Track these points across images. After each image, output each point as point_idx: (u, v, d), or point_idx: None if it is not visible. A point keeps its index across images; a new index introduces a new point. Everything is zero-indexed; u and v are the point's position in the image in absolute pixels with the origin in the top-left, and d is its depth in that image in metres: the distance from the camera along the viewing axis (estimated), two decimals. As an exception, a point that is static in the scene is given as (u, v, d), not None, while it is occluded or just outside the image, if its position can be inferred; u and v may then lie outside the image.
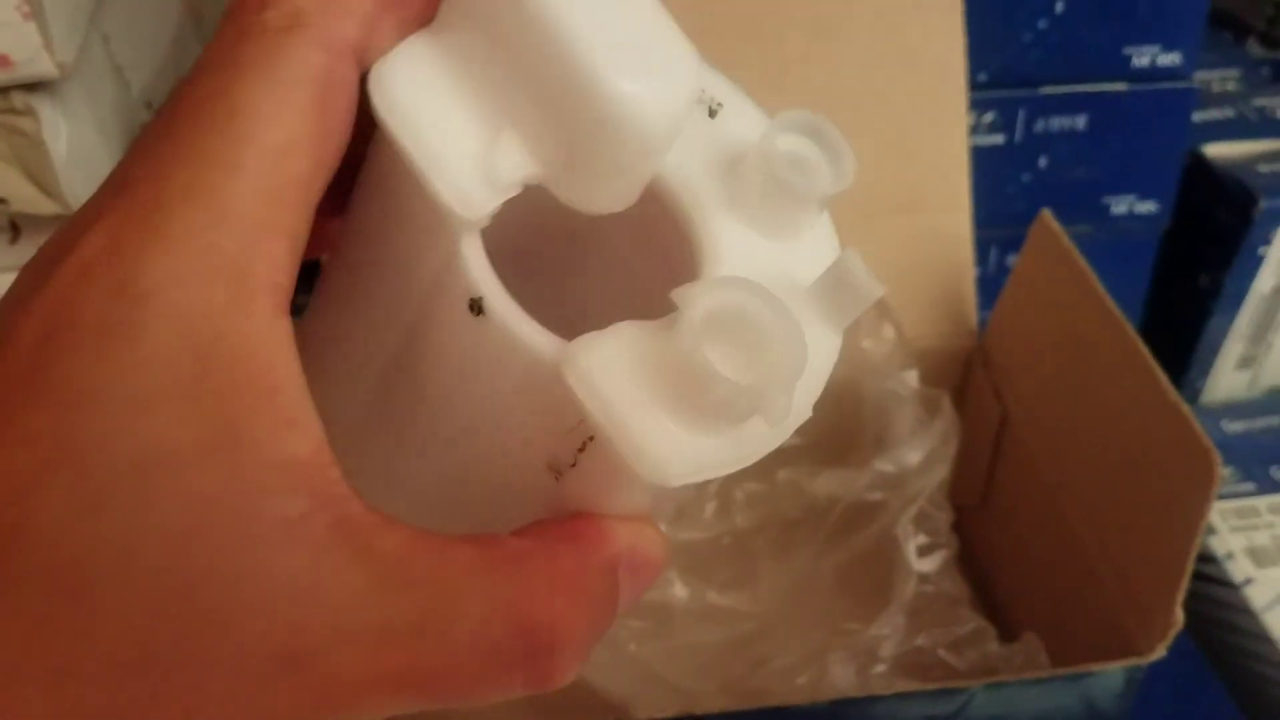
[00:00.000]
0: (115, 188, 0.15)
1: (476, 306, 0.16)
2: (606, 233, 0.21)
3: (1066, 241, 0.33)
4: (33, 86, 0.36)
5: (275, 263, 0.14)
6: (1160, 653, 0.30)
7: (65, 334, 0.14)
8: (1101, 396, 0.32)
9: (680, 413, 0.15)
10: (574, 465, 0.16)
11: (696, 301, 0.15)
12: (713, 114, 0.19)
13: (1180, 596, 0.30)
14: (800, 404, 0.16)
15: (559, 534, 0.16)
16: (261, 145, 0.15)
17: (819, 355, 0.17)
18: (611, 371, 0.15)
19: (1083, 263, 0.33)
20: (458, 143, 0.16)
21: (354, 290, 0.19)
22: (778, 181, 0.17)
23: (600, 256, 0.22)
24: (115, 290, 0.14)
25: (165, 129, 0.15)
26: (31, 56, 0.35)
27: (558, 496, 0.17)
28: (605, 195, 0.17)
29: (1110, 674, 0.30)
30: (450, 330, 0.17)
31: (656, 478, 0.15)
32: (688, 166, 0.18)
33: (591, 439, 0.16)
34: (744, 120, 0.19)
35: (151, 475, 0.13)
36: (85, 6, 0.38)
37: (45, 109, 0.36)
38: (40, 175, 0.37)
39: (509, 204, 0.16)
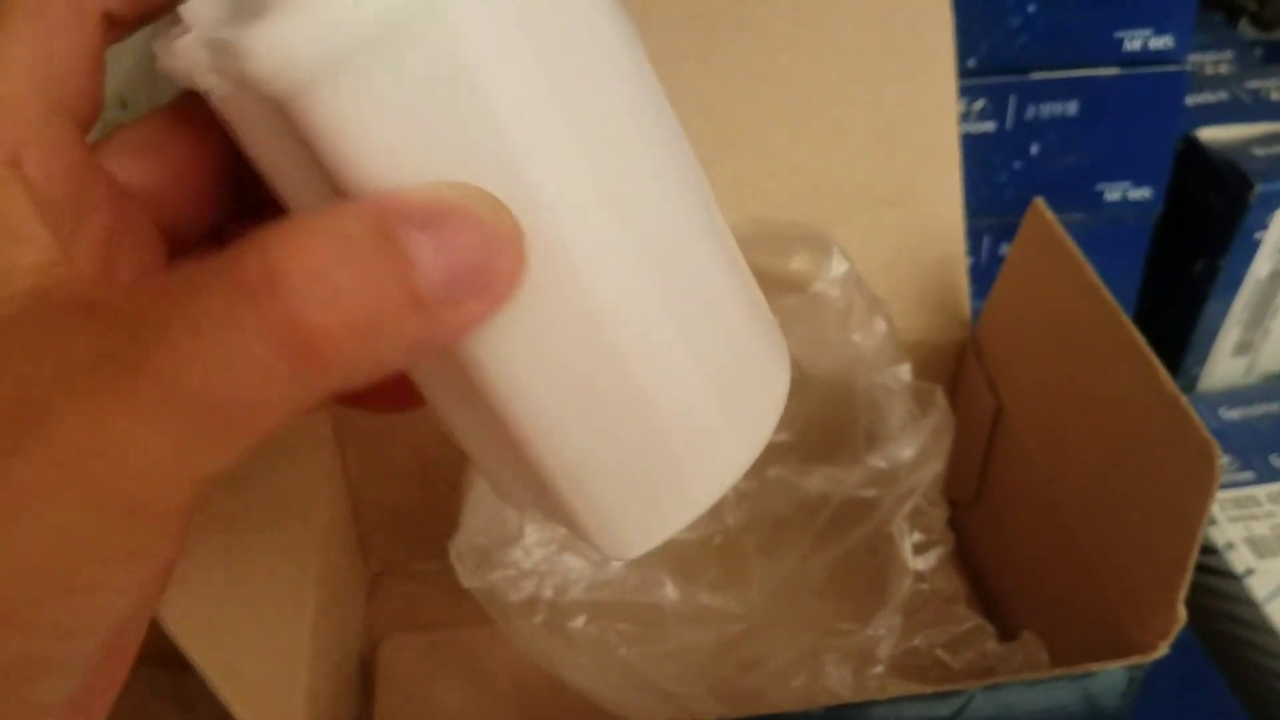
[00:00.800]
0: None
1: None
2: None
3: (1060, 230, 0.33)
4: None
5: None
6: (1163, 651, 0.30)
7: None
8: (1097, 388, 0.32)
9: None
10: None
11: None
12: None
13: (1182, 594, 0.29)
14: None
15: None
16: None
17: None
18: None
19: (1077, 252, 0.32)
20: None
21: None
22: None
23: None
24: None
25: None
26: None
27: None
28: None
29: (1112, 673, 0.29)
30: None
31: None
32: None
33: None
34: None
35: None
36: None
37: None
38: None
39: None
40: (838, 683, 0.32)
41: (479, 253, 0.15)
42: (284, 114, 0.16)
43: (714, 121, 0.38)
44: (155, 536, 0.15)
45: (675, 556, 0.37)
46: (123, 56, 0.45)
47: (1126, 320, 0.31)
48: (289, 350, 0.14)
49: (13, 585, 0.14)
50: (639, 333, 0.19)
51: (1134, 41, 0.40)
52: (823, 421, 0.37)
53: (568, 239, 0.17)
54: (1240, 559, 0.41)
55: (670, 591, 0.36)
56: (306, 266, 0.14)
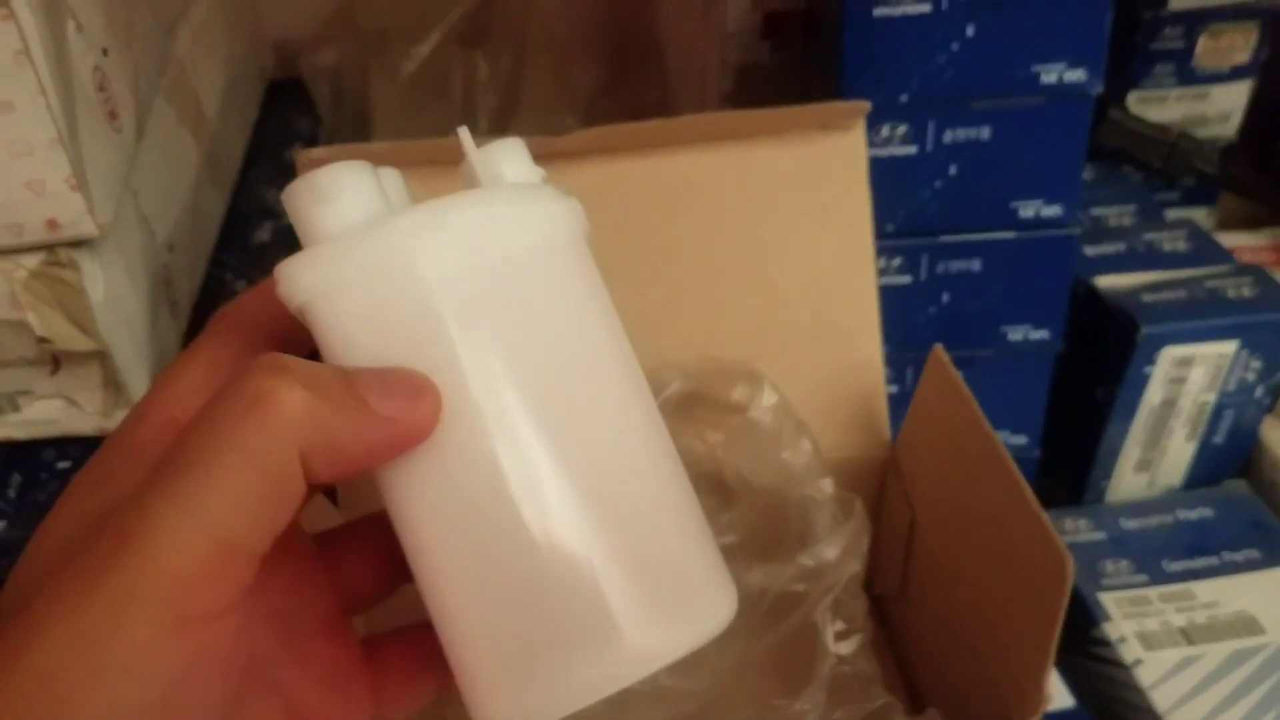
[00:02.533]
0: None
1: None
2: None
3: (954, 373, 0.39)
4: (75, 243, 0.41)
5: None
6: (1035, 725, 0.35)
7: None
8: (982, 505, 0.38)
9: None
10: None
11: None
12: None
13: (1046, 680, 0.34)
14: None
15: None
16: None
17: None
18: None
19: (966, 391, 0.38)
20: None
21: None
22: None
23: None
24: None
25: None
26: (76, 220, 0.40)
27: None
28: None
29: (992, 743, 0.35)
30: None
31: None
32: None
33: None
34: None
35: None
36: (120, 173, 0.45)
37: (85, 261, 0.42)
38: (80, 317, 0.42)
39: None
40: (770, 751, 0.38)
41: (408, 388, 0.22)
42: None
43: (673, 272, 0.45)
44: None
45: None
46: (171, 205, 0.52)
47: (1002, 448, 0.37)
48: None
49: None
50: (539, 510, 0.22)
51: (1028, 210, 0.48)
52: (764, 526, 0.43)
53: (485, 423, 0.22)
54: (1130, 651, 0.47)
55: (633, 673, 0.42)
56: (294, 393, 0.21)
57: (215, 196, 0.59)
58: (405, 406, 0.22)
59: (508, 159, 0.26)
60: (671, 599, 0.23)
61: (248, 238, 0.60)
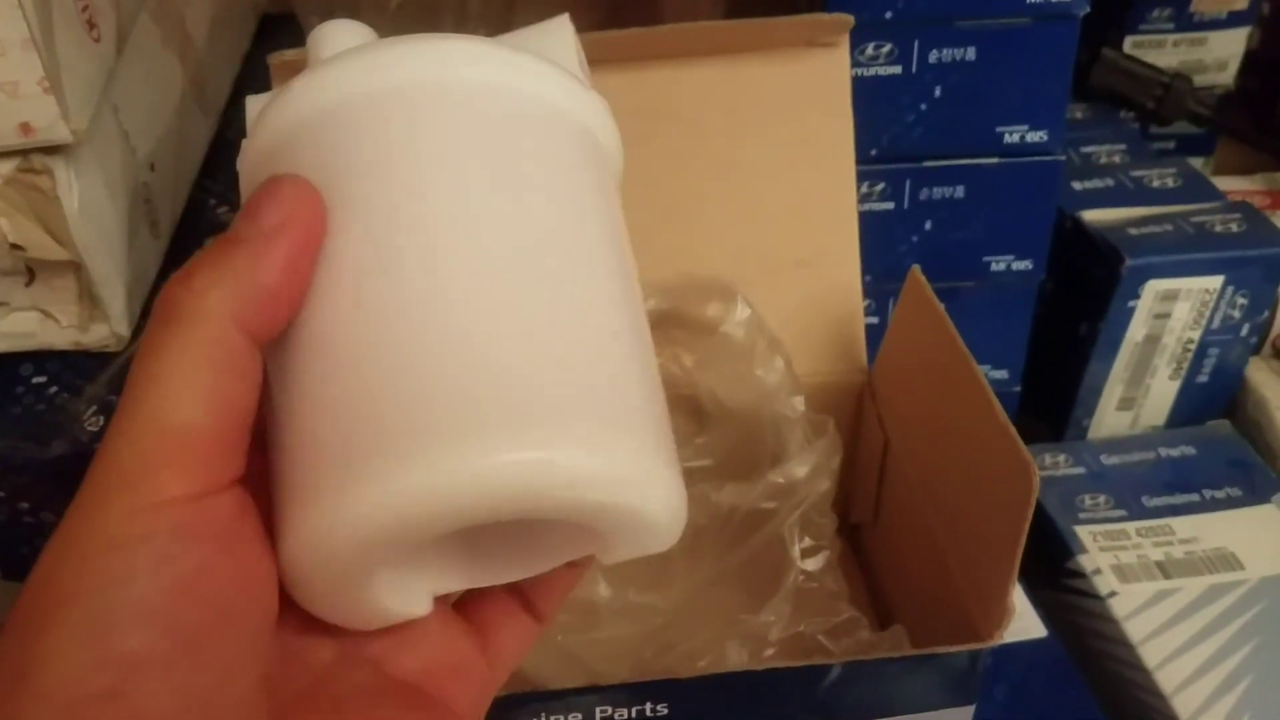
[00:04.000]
0: None
1: None
2: None
3: (930, 294, 0.39)
4: (50, 149, 0.41)
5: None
6: (999, 639, 0.35)
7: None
8: (954, 423, 0.38)
9: None
10: None
11: None
12: None
13: (1011, 590, 0.34)
14: None
15: None
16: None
17: None
18: None
19: (942, 312, 0.38)
20: None
21: None
22: None
23: None
24: None
25: None
26: (50, 124, 0.40)
27: None
28: None
29: (956, 656, 0.35)
30: None
31: None
32: None
33: None
34: None
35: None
36: (98, 81, 0.44)
37: (60, 169, 0.42)
38: (54, 226, 0.42)
39: None
40: (735, 662, 0.38)
41: (276, 194, 0.22)
42: None
43: (653, 193, 0.44)
44: None
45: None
46: (154, 125, 0.52)
47: (975, 365, 0.37)
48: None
49: None
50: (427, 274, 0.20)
51: (1013, 135, 0.47)
52: (738, 448, 0.43)
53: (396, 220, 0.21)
54: (1105, 583, 0.47)
55: (603, 590, 0.42)
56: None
57: (201, 121, 0.59)
58: (280, 210, 0.21)
59: (555, 44, 0.25)
60: (594, 425, 0.20)
61: (234, 166, 0.60)
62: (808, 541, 0.40)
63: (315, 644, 0.23)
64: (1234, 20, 0.67)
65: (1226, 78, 0.69)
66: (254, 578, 0.21)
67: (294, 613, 0.22)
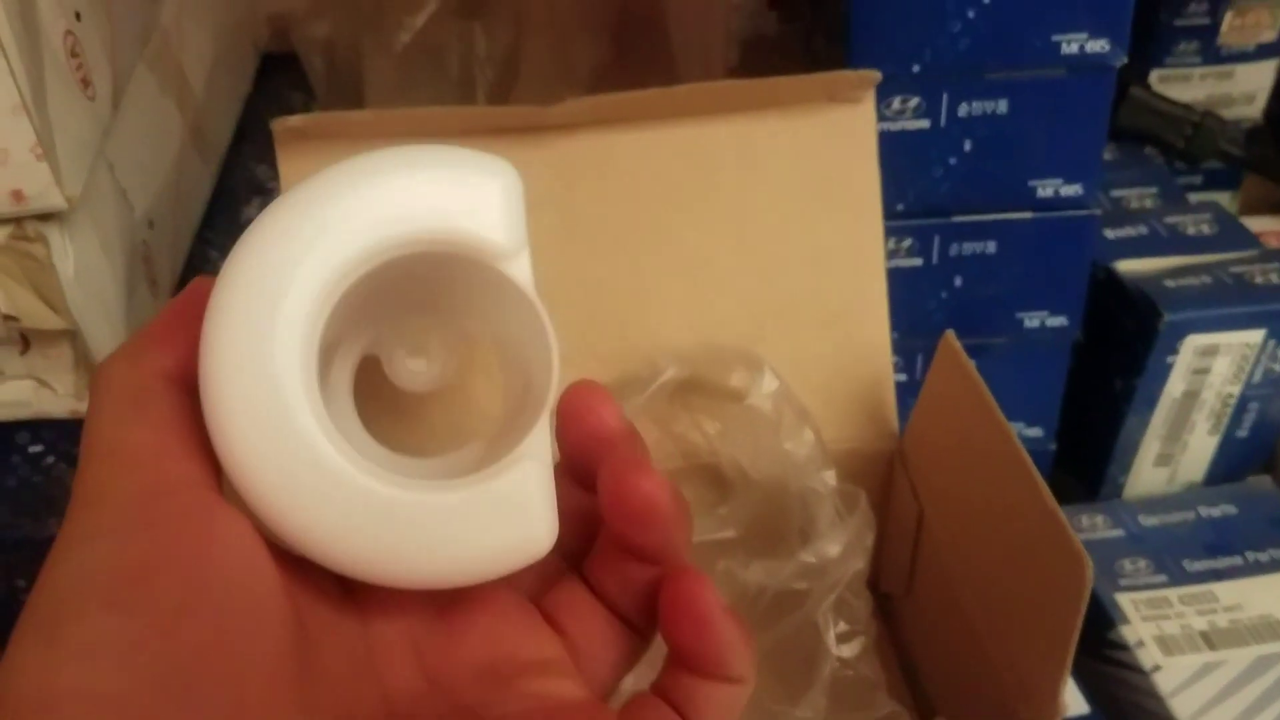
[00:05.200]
0: None
1: None
2: None
3: (966, 361, 0.37)
4: (44, 216, 0.39)
5: None
6: (1049, 735, 0.33)
7: None
8: (994, 500, 0.36)
9: None
10: None
11: None
12: None
13: (1063, 688, 0.32)
14: None
15: None
16: None
17: None
18: None
19: (979, 380, 0.36)
20: None
21: None
22: None
23: None
24: None
25: None
26: (43, 191, 0.38)
27: None
28: None
29: (1005, 755, 0.33)
30: None
31: None
32: None
33: None
34: None
35: None
36: (93, 141, 0.43)
37: (54, 235, 0.40)
38: (49, 294, 0.40)
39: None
40: (767, 757, 0.36)
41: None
42: None
43: (673, 254, 0.43)
44: None
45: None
46: (152, 179, 0.50)
47: (1017, 441, 0.35)
48: None
49: None
50: None
51: (1046, 189, 0.45)
52: (763, 521, 0.41)
53: None
54: (1149, 656, 0.45)
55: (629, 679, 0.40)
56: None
57: (201, 170, 0.57)
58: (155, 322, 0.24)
59: None
60: None
61: (236, 214, 0.58)
62: (843, 626, 0.38)
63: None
64: (1262, 53, 0.65)
65: (1254, 111, 0.68)
66: (233, 565, 0.21)
67: None
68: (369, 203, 0.23)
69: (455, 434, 0.38)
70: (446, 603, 0.25)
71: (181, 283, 0.52)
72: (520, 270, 0.25)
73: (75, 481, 0.21)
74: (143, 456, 0.21)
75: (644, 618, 0.26)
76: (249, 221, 0.57)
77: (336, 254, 0.23)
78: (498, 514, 0.23)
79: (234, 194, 0.59)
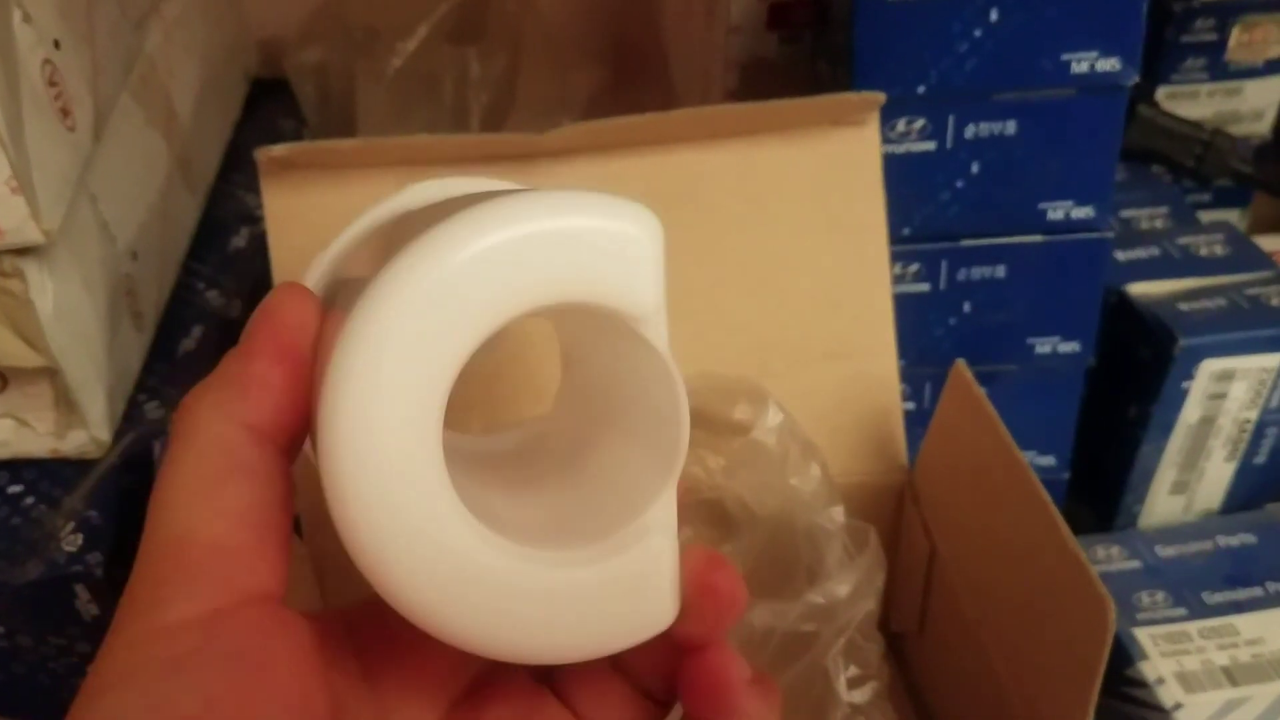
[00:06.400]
0: None
1: None
2: None
3: (977, 390, 0.36)
4: (21, 250, 0.38)
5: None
6: (1071, 783, 0.32)
7: None
8: (1011, 539, 0.35)
9: None
10: None
11: None
12: None
13: None
14: None
15: None
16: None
17: None
18: None
19: (990, 410, 0.35)
20: None
21: None
22: None
23: None
24: None
25: None
26: (19, 226, 0.37)
27: None
28: None
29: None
30: None
31: None
32: None
33: None
34: None
35: None
36: (73, 174, 0.41)
37: (32, 271, 0.39)
38: (27, 331, 0.39)
39: None
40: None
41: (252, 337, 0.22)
42: None
43: (672, 282, 0.41)
44: None
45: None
46: (136, 211, 0.49)
47: (1032, 475, 0.33)
48: None
49: None
50: None
51: (1057, 212, 0.44)
52: (769, 559, 0.40)
53: None
54: (1169, 694, 0.44)
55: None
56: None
57: (187, 201, 0.56)
58: (253, 356, 0.22)
59: None
60: None
61: (223, 244, 0.57)
62: (853, 670, 0.36)
63: None
64: (1270, 69, 0.64)
65: (1263, 127, 0.67)
66: (286, 706, 0.19)
67: None
68: (519, 261, 0.21)
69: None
70: (460, 696, 0.24)
71: (167, 315, 0.51)
72: (657, 332, 0.24)
73: (137, 557, 0.20)
74: (210, 564, 0.20)
75: (664, 688, 0.25)
76: (237, 252, 0.56)
77: (483, 324, 0.21)
78: (626, 592, 0.22)
79: (223, 224, 0.58)
